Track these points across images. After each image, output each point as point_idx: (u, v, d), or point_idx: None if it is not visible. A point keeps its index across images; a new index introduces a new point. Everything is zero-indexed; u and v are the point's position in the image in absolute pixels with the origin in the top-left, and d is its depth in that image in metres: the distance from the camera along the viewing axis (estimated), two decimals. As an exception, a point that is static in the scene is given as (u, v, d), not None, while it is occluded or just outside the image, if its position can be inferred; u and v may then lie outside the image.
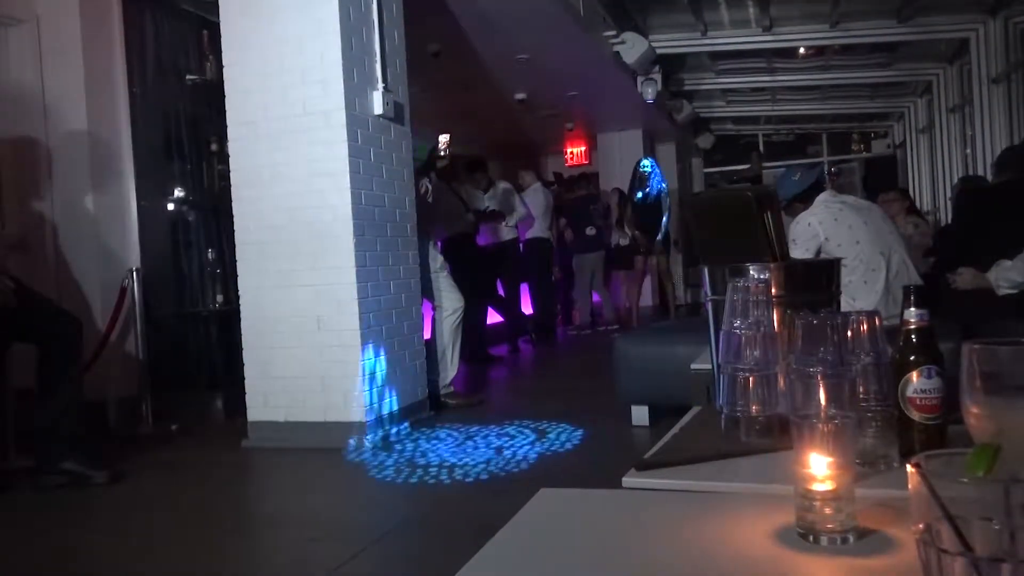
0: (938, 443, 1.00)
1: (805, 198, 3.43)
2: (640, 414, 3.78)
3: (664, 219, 9.81)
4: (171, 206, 4.65)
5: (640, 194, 9.58)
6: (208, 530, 2.66)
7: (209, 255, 4.65)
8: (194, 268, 4.65)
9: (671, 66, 9.36)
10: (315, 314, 3.75)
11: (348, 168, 3.69)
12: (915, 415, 1.03)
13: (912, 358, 1.03)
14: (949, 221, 7.16)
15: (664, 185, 10.14)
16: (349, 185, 3.69)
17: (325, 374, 3.73)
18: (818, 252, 3.29)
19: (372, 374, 3.76)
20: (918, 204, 9.71)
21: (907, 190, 8.26)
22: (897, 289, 3.17)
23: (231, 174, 3.94)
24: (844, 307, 1.40)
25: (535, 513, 0.95)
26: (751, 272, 1.26)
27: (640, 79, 8.34)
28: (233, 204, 3.93)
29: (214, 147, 4.62)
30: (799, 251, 3.26)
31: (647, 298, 9.51)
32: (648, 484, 1.04)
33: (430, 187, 4.69)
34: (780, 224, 1.44)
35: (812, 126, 13.24)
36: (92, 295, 4.25)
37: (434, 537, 2.47)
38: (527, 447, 3.58)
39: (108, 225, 4.37)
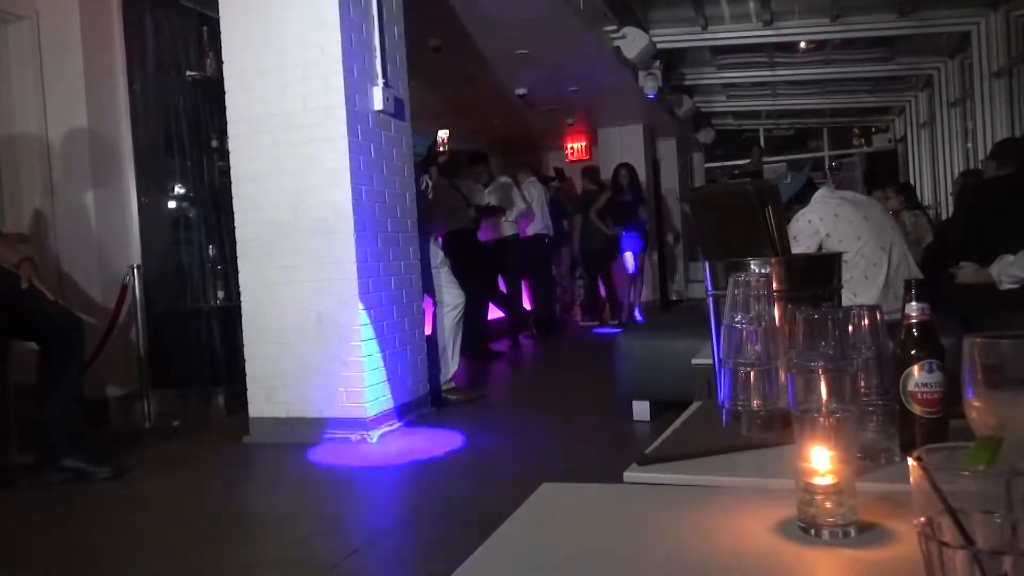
0: (939, 437, 1.00)
1: (801, 198, 3.43)
2: (641, 409, 3.78)
3: None
4: (172, 202, 4.65)
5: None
6: (209, 525, 2.67)
7: (210, 251, 4.65)
8: (195, 264, 4.64)
9: (672, 61, 9.34)
10: (316, 310, 3.75)
11: (348, 164, 3.69)
12: (916, 409, 1.03)
13: (913, 352, 1.03)
14: (951, 215, 7.15)
15: None
16: (349, 181, 3.69)
17: (326, 370, 3.74)
18: (819, 248, 3.29)
19: (373, 370, 3.76)
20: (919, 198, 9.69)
21: (909, 184, 8.24)
22: (898, 284, 3.17)
23: (231, 170, 3.94)
24: (845, 302, 1.40)
25: (537, 507, 0.95)
26: (752, 267, 1.26)
27: (642, 74, 8.32)
28: (233, 200, 3.93)
29: (214, 143, 4.62)
30: (800, 248, 3.25)
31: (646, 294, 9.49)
32: (649, 479, 1.05)
33: (430, 183, 4.68)
34: (781, 219, 1.44)
35: (813, 121, 13.23)
36: (93, 291, 4.26)
37: (435, 532, 2.47)
38: (528, 442, 3.58)
39: (108, 221, 4.37)
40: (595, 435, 3.62)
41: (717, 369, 1.25)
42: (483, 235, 6.71)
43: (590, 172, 9.11)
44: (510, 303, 7.25)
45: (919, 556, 0.57)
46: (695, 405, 1.45)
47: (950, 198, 8.34)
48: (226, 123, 3.93)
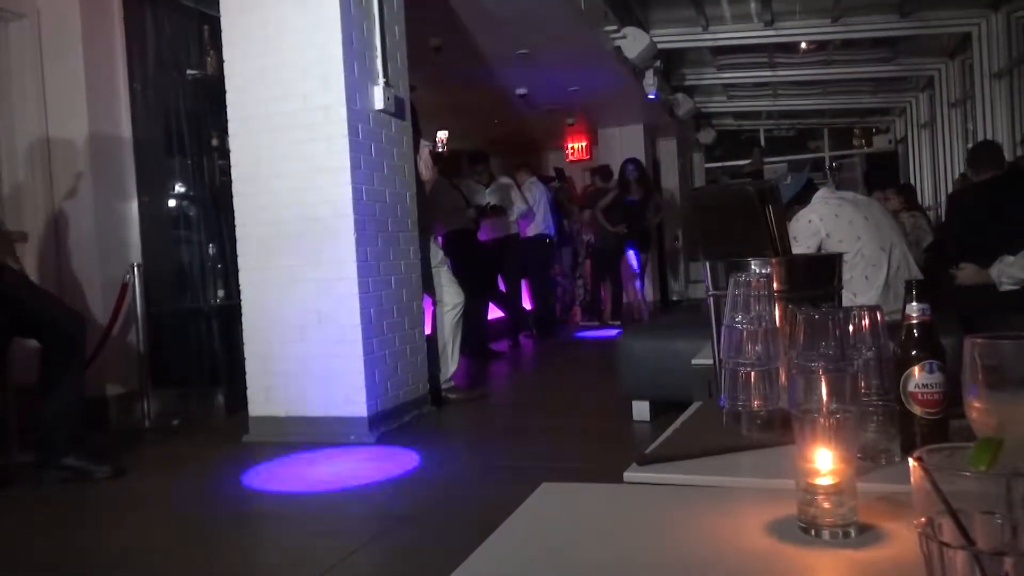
0: (940, 437, 1.00)
1: (802, 199, 3.43)
2: (641, 409, 3.78)
3: None
4: (172, 201, 4.64)
5: None
6: (209, 525, 2.67)
7: (210, 250, 4.64)
8: (195, 263, 4.64)
9: (672, 61, 9.34)
10: (316, 309, 3.75)
11: (349, 163, 3.69)
12: (917, 409, 1.03)
13: (914, 353, 1.03)
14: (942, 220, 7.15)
15: None
16: (350, 180, 3.69)
17: (326, 369, 3.74)
18: (819, 249, 3.29)
19: (373, 369, 3.76)
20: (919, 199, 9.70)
21: (909, 185, 8.25)
22: (898, 284, 3.17)
23: (232, 169, 3.94)
24: (845, 302, 1.40)
25: (536, 507, 0.95)
26: (753, 267, 1.26)
27: (645, 73, 8.32)
28: (234, 199, 3.93)
29: (215, 142, 4.61)
30: (801, 248, 3.25)
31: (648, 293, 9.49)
32: (649, 479, 1.05)
33: (429, 146, 4.61)
34: (782, 219, 1.44)
35: (813, 121, 13.24)
36: (93, 291, 4.26)
37: (435, 531, 2.47)
38: (527, 442, 3.58)
39: (109, 221, 4.37)
40: (595, 435, 3.62)
41: (717, 369, 1.25)
42: (484, 235, 6.71)
43: (601, 171, 9.07)
44: (510, 303, 7.24)
45: (919, 556, 0.57)
46: (695, 405, 1.45)
47: (950, 199, 8.32)
48: (226, 122, 3.93)
